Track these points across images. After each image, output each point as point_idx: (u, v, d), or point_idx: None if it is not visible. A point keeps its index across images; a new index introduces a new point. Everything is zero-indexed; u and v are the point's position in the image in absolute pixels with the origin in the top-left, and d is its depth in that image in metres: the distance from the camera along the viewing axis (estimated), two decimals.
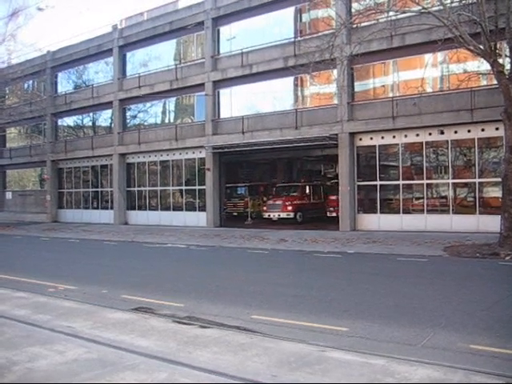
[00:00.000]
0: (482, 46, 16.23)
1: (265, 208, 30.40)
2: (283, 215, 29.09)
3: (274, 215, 29.37)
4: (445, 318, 8.32)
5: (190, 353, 6.50)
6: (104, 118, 37.36)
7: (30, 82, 42.02)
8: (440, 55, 21.01)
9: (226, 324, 8.23)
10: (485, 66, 18.25)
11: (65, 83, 39.76)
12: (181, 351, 6.57)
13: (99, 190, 37.14)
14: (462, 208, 21.55)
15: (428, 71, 20.80)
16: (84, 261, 18.58)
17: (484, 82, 20.55)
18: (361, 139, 24.00)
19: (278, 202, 29.57)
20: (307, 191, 30.73)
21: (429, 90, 22.14)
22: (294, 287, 11.70)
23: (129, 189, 34.42)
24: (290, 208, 29.10)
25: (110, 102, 34.40)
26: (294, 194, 30.36)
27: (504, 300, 9.70)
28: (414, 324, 7.96)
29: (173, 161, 32.02)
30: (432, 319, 8.23)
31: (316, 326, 7.97)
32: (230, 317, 8.71)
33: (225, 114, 29.03)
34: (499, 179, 17.74)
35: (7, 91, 41.69)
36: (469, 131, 21.14)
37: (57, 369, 5.95)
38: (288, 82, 26.60)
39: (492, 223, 18.21)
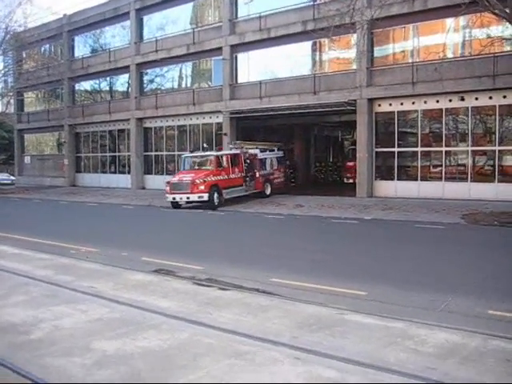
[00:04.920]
0: (507, 10, 15.80)
1: (167, 189, 22.16)
2: (193, 198, 21.43)
3: (182, 198, 21.76)
4: (463, 283, 8.36)
5: (211, 314, 6.61)
6: (121, 82, 37.33)
7: (47, 46, 41.92)
8: (463, 19, 20.46)
9: (246, 286, 8.32)
10: (509, 30, 17.83)
11: (81, 47, 39.68)
12: (201, 312, 6.69)
13: (116, 154, 37.33)
14: (481, 176, 21.34)
15: (450, 36, 20.31)
16: (103, 224, 18.85)
17: (508, 48, 20.06)
18: (379, 105, 23.71)
19: (185, 180, 21.64)
20: (224, 163, 22.80)
21: (450, 55, 21.65)
22: (312, 252, 11.76)
23: (146, 153, 34.54)
24: (202, 188, 21.27)
25: (127, 67, 34.29)
26: (208, 167, 22.71)
27: None
28: (433, 289, 8.00)
29: (190, 125, 31.97)
30: (450, 285, 8.26)
31: (335, 289, 8.03)
32: (249, 279, 8.80)
33: (242, 78, 28.79)
34: None
35: (24, 55, 41.72)
36: (490, 98, 20.75)
37: (81, 327, 6.12)
38: (306, 46, 26.21)
39: (511, 191, 18.03)
